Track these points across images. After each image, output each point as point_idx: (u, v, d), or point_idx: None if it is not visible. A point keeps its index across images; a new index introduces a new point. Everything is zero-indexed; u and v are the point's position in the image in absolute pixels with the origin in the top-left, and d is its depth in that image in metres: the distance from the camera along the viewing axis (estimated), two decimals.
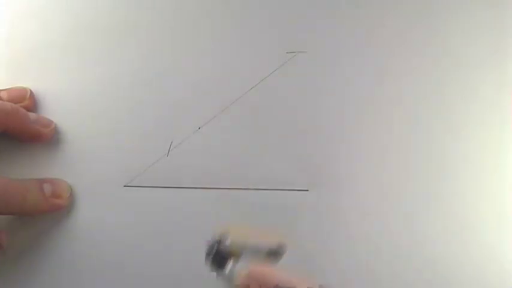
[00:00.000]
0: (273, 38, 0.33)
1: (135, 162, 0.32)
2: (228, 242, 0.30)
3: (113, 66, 0.33)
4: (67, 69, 0.33)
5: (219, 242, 0.29)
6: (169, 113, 0.33)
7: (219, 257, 0.29)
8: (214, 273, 0.30)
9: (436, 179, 0.32)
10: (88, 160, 0.32)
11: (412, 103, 0.33)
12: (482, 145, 0.32)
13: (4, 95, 0.32)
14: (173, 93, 0.33)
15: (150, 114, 0.33)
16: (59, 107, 0.33)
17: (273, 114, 0.33)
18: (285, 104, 0.33)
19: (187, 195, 0.32)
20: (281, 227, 0.31)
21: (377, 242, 0.31)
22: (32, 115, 0.31)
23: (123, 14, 0.34)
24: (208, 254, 0.30)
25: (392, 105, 0.33)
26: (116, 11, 0.34)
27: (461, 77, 0.33)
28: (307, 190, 0.32)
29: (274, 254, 0.30)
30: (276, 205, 0.32)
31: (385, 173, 0.32)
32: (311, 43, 0.33)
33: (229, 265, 0.29)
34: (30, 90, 0.33)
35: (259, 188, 0.32)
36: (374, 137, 0.32)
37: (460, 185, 0.32)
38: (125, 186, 0.32)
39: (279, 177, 0.32)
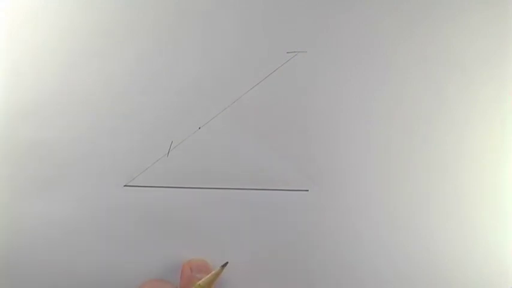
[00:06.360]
0: (273, 38, 0.33)
1: (135, 162, 0.32)
2: None
3: (112, 66, 0.33)
4: (67, 70, 0.33)
5: None
6: (169, 113, 0.33)
7: None
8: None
9: (437, 179, 0.32)
10: (88, 160, 0.32)
11: (412, 103, 0.33)
12: (483, 145, 0.32)
13: None
14: (173, 93, 0.33)
15: (150, 115, 0.33)
16: (58, 107, 0.33)
17: (273, 114, 0.33)
18: (285, 104, 0.33)
19: (187, 195, 0.32)
20: (281, 227, 0.31)
21: (377, 242, 0.31)
22: None
23: (122, 14, 0.34)
24: None
25: (393, 105, 0.33)
26: (115, 11, 0.34)
27: (461, 77, 0.33)
28: (307, 190, 0.32)
29: None
30: (276, 205, 0.32)
31: (385, 173, 0.32)
32: (311, 43, 0.33)
33: None
34: None
35: (259, 188, 0.32)
36: (374, 137, 0.32)
37: (460, 185, 0.32)
38: (125, 186, 0.32)
39: (279, 177, 0.32)
